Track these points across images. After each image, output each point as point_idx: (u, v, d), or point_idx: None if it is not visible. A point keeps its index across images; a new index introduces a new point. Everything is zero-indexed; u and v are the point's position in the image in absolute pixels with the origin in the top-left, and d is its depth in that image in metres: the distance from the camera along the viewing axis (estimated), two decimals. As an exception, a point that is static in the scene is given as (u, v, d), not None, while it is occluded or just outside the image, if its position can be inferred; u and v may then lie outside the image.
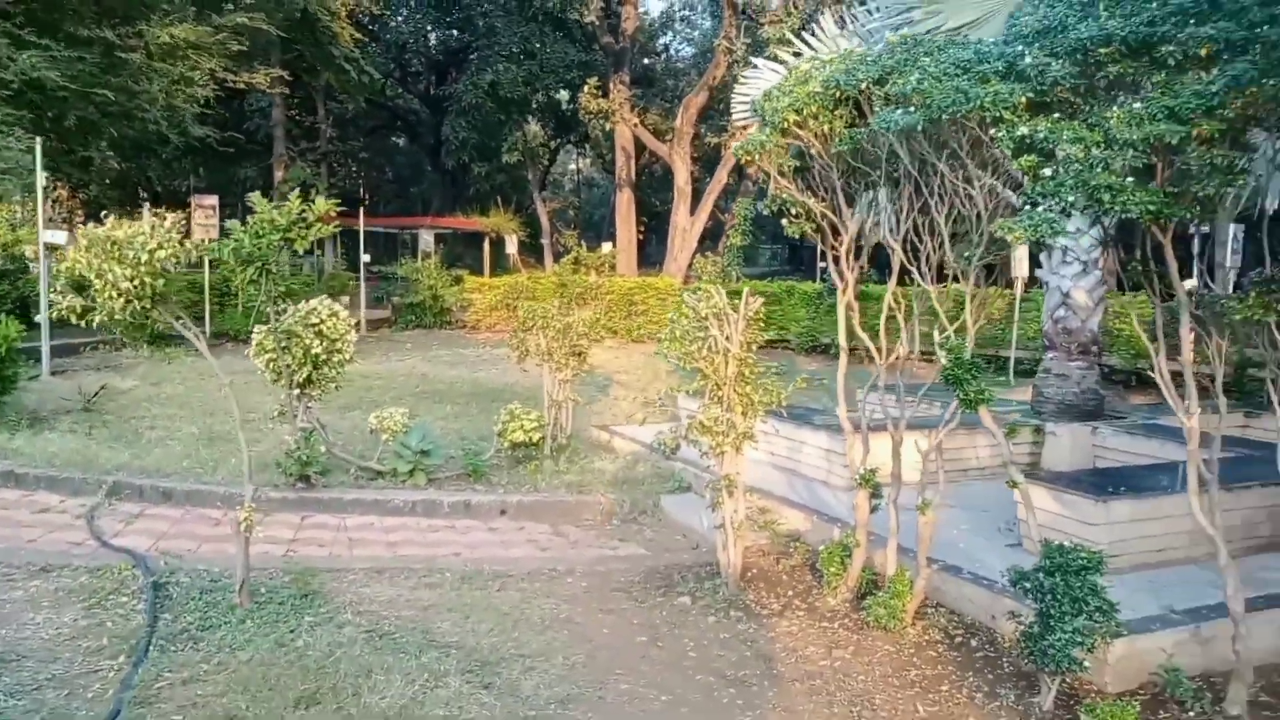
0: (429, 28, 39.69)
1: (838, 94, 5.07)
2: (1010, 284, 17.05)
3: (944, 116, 4.32)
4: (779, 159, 5.62)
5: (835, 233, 6.04)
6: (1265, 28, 3.66)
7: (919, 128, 4.52)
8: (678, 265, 27.33)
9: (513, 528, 8.24)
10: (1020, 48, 4.27)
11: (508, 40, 31.81)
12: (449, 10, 36.06)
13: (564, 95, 35.56)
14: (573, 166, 60.14)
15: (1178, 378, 4.89)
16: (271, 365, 8.24)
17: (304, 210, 6.70)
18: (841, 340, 6.27)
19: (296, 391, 8.52)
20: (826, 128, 5.19)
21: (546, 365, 9.73)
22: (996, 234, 4.44)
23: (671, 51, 46.94)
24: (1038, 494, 6.57)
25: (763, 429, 9.87)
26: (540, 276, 25.54)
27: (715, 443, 6.16)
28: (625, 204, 32.02)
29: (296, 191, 7.42)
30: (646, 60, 42.49)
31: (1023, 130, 3.95)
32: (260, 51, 21.56)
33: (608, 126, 29.63)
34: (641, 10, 42.81)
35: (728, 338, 6.14)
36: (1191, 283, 12.44)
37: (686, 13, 44.29)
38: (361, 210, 24.69)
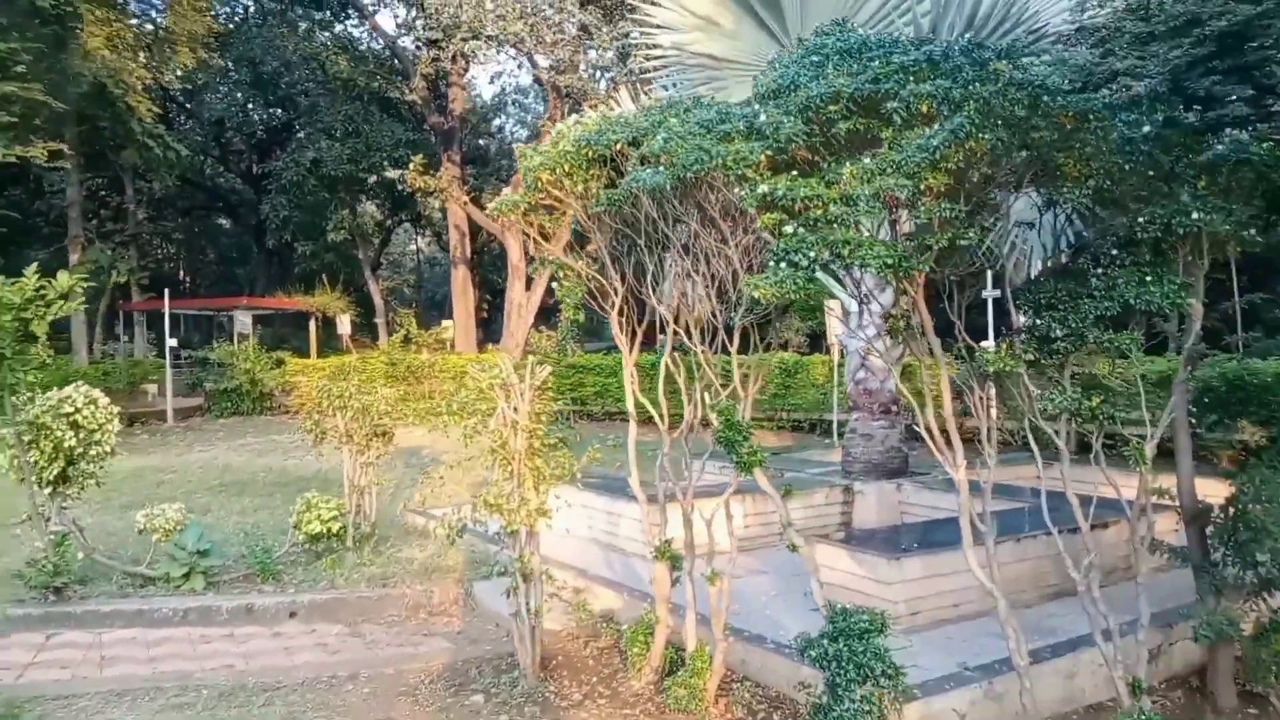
0: (249, 105, 38.41)
1: (589, 153, 4.99)
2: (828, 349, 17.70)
3: (689, 175, 4.28)
4: (540, 219, 5.47)
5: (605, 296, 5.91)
6: (978, 85, 3.81)
7: (667, 186, 4.45)
8: (514, 341, 26.98)
9: (302, 631, 7.50)
10: (757, 107, 4.32)
11: (330, 118, 31.12)
12: (269, 88, 35.02)
13: (396, 174, 35.07)
14: (413, 246, 59.17)
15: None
16: (15, 463, 7.28)
17: (42, 287, 5.98)
18: (629, 407, 6.08)
19: (48, 491, 7.56)
20: (581, 187, 5.08)
21: (346, 448, 9.10)
22: (748, 292, 4.40)
23: (506, 132, 47.37)
24: (835, 555, 6.55)
25: (581, 503, 9.61)
26: (370, 356, 24.55)
27: (506, 521, 5.79)
28: (461, 281, 31.57)
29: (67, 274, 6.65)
30: (481, 140, 42.62)
31: (763, 188, 3.94)
32: (48, 125, 19.99)
33: (437, 205, 29.28)
34: (475, 92, 43.13)
35: (515, 409, 5.84)
36: (989, 342, 13.16)
37: (518, 96, 44.91)
38: (167, 292, 23.08)
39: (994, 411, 5.37)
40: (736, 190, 4.19)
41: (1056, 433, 4.88)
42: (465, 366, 23.92)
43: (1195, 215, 4.11)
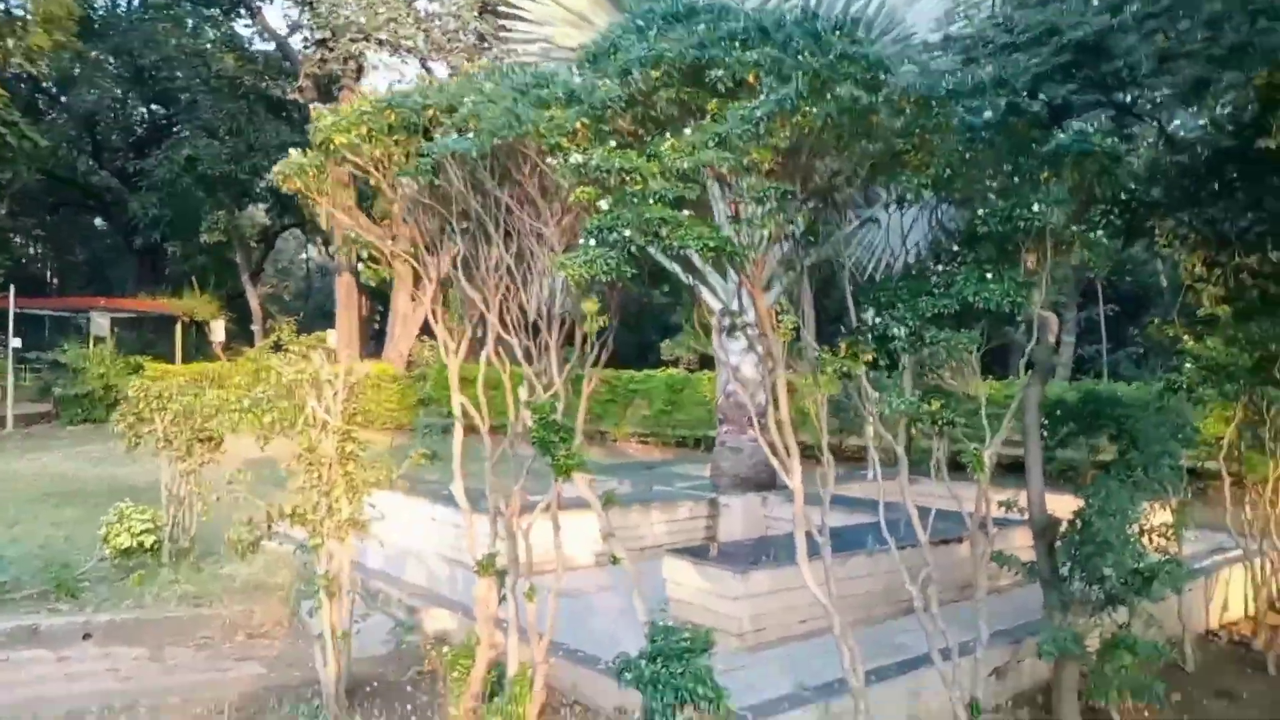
0: (127, 99, 36.29)
1: (393, 117, 4.49)
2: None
3: (500, 142, 3.84)
4: (338, 191, 4.94)
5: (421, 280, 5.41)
6: (809, 56, 3.51)
7: (474, 154, 4.00)
8: (398, 352, 26.01)
9: (95, 655, 6.67)
10: (574, 70, 3.93)
11: (211, 116, 29.55)
12: (147, 83, 33.16)
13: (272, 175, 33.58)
14: (304, 255, 56.97)
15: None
16: None
17: None
18: (455, 409, 5.55)
19: None
20: (380, 152, 4.58)
21: (164, 454, 8.27)
22: (556, 272, 3.99)
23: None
24: (681, 568, 6.16)
25: (429, 515, 8.99)
26: (240, 363, 23.20)
27: (312, 534, 5.18)
28: (345, 289, 30.28)
29: None
30: (375, 146, 41.30)
31: (577, 158, 3.53)
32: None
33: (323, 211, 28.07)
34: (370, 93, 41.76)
35: (327, 409, 5.25)
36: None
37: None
38: (13, 290, 21.33)
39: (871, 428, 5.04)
40: (549, 160, 3.77)
41: (896, 438, 4.60)
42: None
43: (1036, 208, 3.88)
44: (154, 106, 38.20)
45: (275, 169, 4.95)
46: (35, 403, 22.72)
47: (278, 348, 18.12)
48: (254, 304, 33.19)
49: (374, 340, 33.43)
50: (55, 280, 48.59)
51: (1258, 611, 7.28)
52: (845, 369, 4.30)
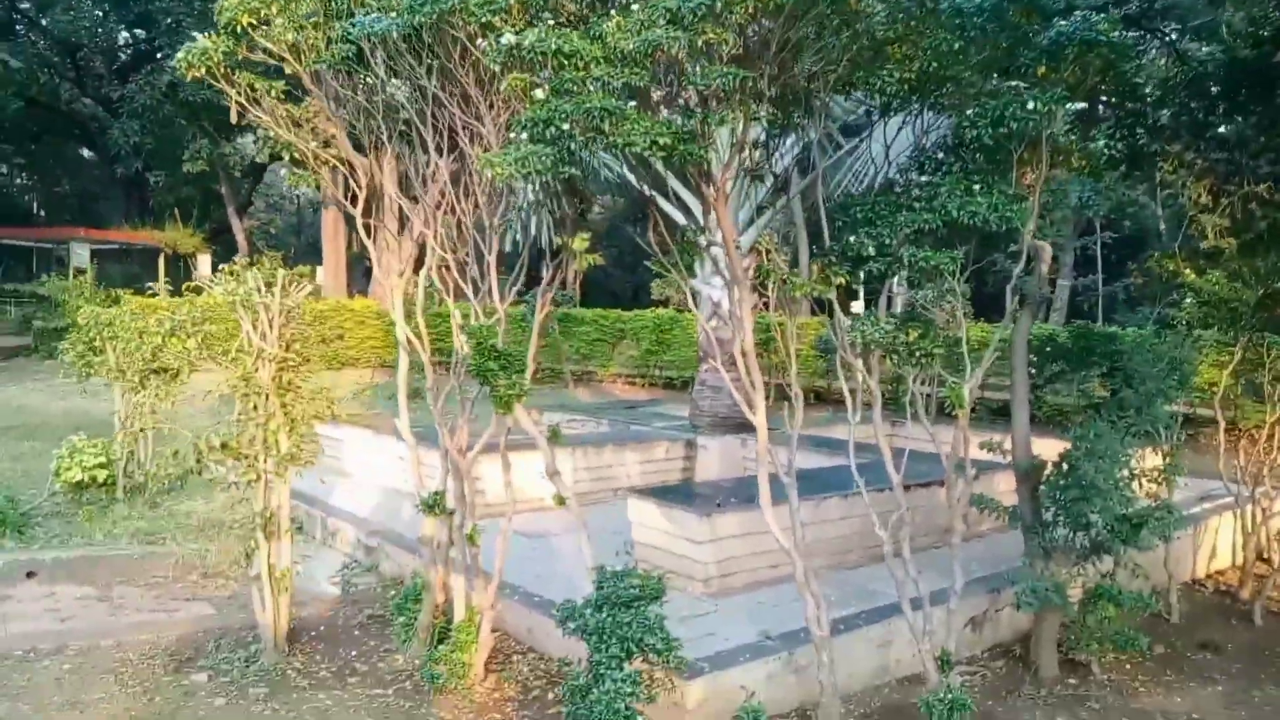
0: (109, 22, 35.08)
1: None
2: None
3: (422, 20, 3.39)
4: (252, 79, 4.48)
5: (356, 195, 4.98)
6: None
7: (395, 35, 3.55)
8: (384, 287, 25.50)
9: (38, 594, 6.40)
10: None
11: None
12: (126, 2, 32.01)
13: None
14: (297, 189, 55.99)
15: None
16: None
17: None
18: (400, 338, 5.16)
19: None
20: (292, 36, 4.12)
21: (118, 386, 7.92)
22: (480, 169, 3.59)
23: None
24: (645, 509, 5.86)
25: (397, 453, 8.69)
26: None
27: (247, 469, 4.85)
28: (332, 223, 29.63)
29: None
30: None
31: (509, 38, 3.09)
32: None
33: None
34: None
35: (263, 335, 4.88)
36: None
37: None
38: (-14, 219, 20.76)
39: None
40: (479, 43, 3.33)
41: (870, 373, 4.24)
42: (324, 312, 22.40)
43: (1031, 105, 3.44)
44: (136, 30, 36.98)
45: (178, 56, 4.48)
46: (17, 336, 22.34)
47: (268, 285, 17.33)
48: (240, 238, 32.56)
49: (365, 277, 32.82)
50: (41, 212, 47.77)
51: (1245, 561, 7.03)
52: (816, 294, 3.91)
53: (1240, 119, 6.09)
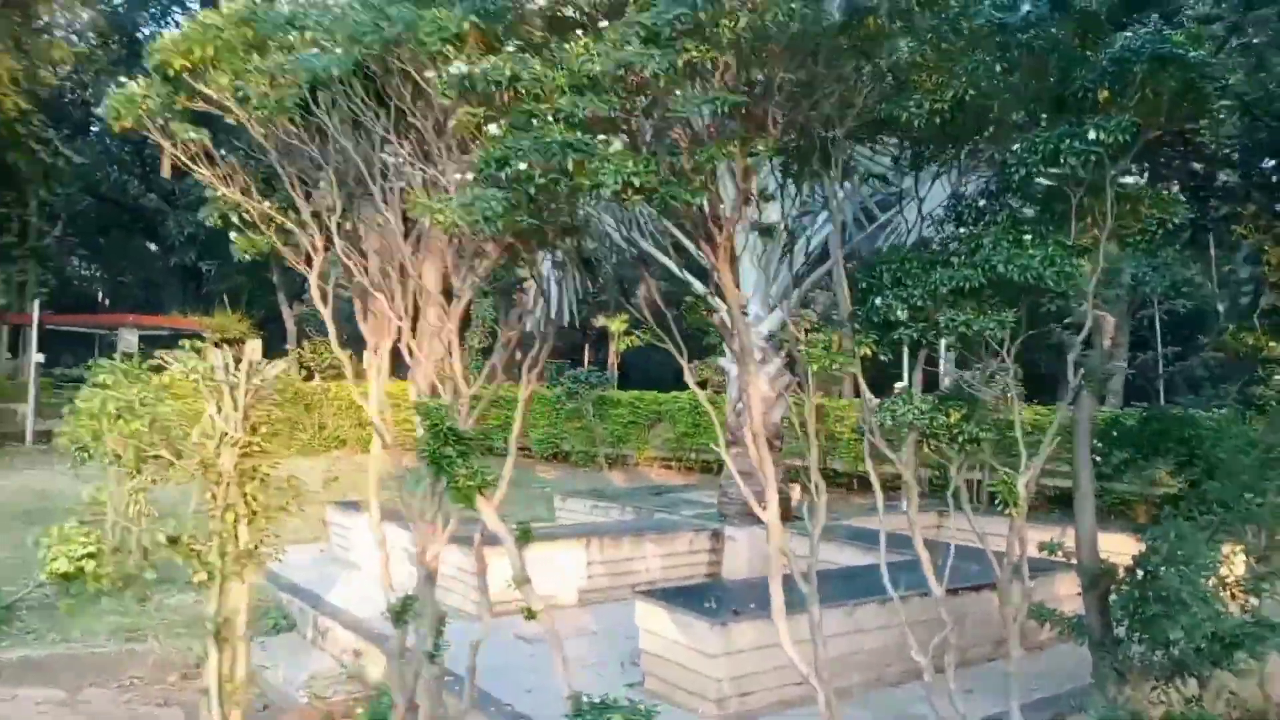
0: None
1: (249, 33, 3.67)
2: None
3: (367, 53, 2.99)
4: (179, 129, 4.13)
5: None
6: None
7: (334, 72, 3.15)
8: (423, 371, 25.39)
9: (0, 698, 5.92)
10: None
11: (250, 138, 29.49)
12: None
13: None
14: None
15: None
16: None
17: None
18: (374, 419, 4.66)
19: None
20: (226, 81, 3.75)
21: (113, 470, 7.52)
22: (417, 215, 3.13)
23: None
24: (654, 614, 5.20)
25: (402, 545, 8.14)
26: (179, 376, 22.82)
27: (198, 566, 4.35)
28: (380, 306, 29.88)
29: None
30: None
31: (458, 68, 2.66)
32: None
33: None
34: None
35: (226, 417, 4.43)
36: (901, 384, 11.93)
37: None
38: (36, 305, 21.20)
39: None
40: (427, 74, 2.92)
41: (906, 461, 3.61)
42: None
43: (1094, 136, 2.86)
44: (202, 129, 38.51)
45: (105, 103, 4.16)
46: (61, 419, 22.55)
47: (303, 369, 17.23)
48: (289, 324, 32.96)
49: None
50: (106, 300, 49.37)
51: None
52: (837, 367, 3.34)
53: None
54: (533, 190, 2.64)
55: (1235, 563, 4.97)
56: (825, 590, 5.85)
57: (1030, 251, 2.89)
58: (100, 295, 50.38)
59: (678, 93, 2.68)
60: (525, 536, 4.01)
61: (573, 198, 3.68)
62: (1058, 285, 2.92)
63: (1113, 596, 4.47)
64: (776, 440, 8.67)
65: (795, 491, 11.76)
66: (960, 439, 3.34)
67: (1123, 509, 8.99)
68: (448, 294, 4.44)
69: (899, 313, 3.06)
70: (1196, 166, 6.33)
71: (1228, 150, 5.47)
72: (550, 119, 2.59)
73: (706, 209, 3.21)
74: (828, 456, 14.61)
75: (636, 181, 2.60)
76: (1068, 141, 2.87)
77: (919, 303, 3.02)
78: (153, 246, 47.03)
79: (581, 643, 6.33)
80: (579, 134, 2.57)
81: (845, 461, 14.97)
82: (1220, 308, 20.33)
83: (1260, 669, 5.26)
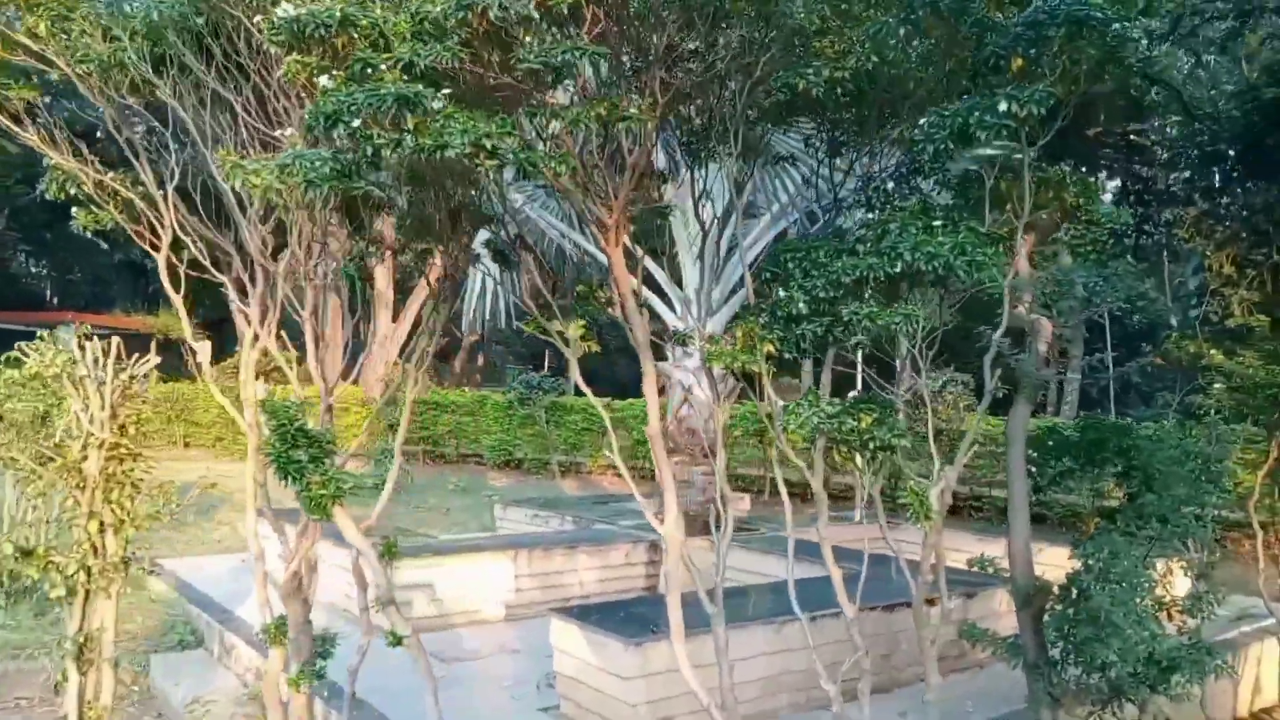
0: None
1: None
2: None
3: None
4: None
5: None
6: None
7: (154, 16, 2.81)
8: (375, 375, 24.89)
9: None
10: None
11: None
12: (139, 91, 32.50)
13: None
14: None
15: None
16: None
17: None
18: (246, 422, 4.29)
19: None
20: (44, 28, 3.37)
21: (10, 473, 7.06)
22: (229, 179, 2.81)
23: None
24: (569, 633, 4.87)
25: (335, 561, 7.71)
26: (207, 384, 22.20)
27: (56, 581, 3.95)
28: (335, 309, 29.33)
29: None
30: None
31: (285, 9, 2.34)
32: None
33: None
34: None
35: (91, 417, 4.04)
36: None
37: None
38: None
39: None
40: (258, 19, 2.59)
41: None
42: (306, 398, 21.79)
43: (1005, 107, 2.59)
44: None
45: None
46: (-6, 422, 21.73)
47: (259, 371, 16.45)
48: (239, 322, 32.23)
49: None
50: (55, 299, 48.09)
51: (1297, 696, 5.93)
52: (740, 366, 3.05)
53: (1266, 178, 5.28)
54: (370, 150, 2.31)
55: (1173, 581, 4.77)
56: (761, 606, 5.59)
57: (940, 239, 2.63)
58: (49, 293, 49.08)
59: (529, 39, 2.38)
60: (389, 551, 3.67)
61: (467, 177, 3.38)
62: (969, 275, 2.66)
63: (1047, 615, 4.23)
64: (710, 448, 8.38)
65: (745, 502, 11.51)
66: (871, 445, 3.07)
67: (1074, 521, 8.82)
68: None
69: (800, 305, 2.78)
70: (1142, 171, 6.21)
71: (1171, 154, 5.32)
72: (386, 69, 2.27)
73: (607, 188, 2.92)
74: (781, 466, 14.38)
75: (488, 144, 2.29)
76: (977, 115, 2.61)
77: (822, 294, 2.75)
78: (103, 243, 45.91)
79: (503, 661, 5.99)
80: (423, 86, 2.25)
81: (795, 470, 14.72)
82: (1174, 321, 20.44)
83: (1202, 689, 5.07)
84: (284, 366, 3.97)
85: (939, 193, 2.94)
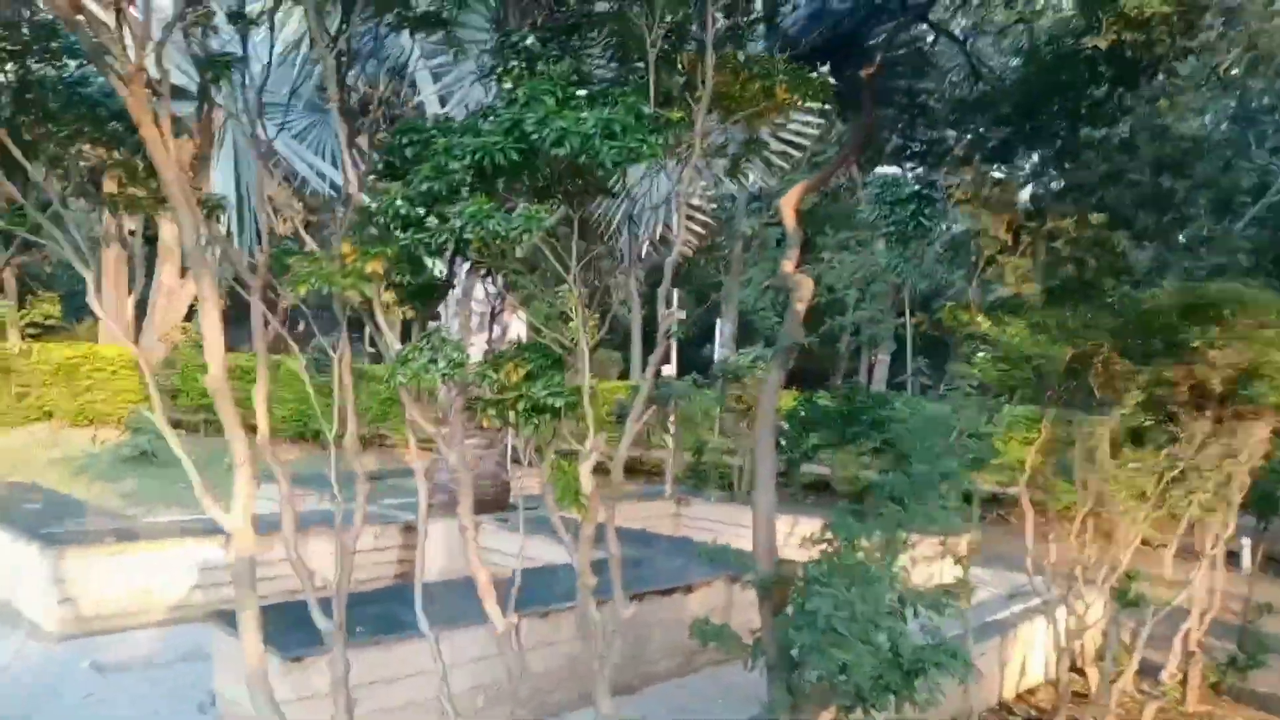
0: None
1: None
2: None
3: None
4: None
5: None
6: None
7: None
8: (159, 333, 22.55)
9: None
10: None
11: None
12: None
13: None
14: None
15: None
16: None
17: None
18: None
19: None
20: None
21: None
22: None
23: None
24: (228, 643, 3.95)
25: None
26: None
27: None
28: (114, 262, 26.45)
29: None
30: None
31: None
32: None
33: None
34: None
35: None
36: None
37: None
38: None
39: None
40: None
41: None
42: (71, 359, 19.39)
43: None
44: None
45: None
46: None
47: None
48: (8, 278, 28.54)
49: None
50: None
51: (1059, 676, 5.76)
52: (349, 284, 2.22)
53: (1043, 140, 4.95)
54: None
55: (941, 567, 4.37)
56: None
57: (581, 114, 1.89)
58: None
59: None
60: None
61: None
62: (618, 161, 1.95)
63: (789, 610, 3.68)
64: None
65: (534, 479, 10.72)
66: (522, 406, 2.35)
67: (862, 496, 8.63)
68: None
69: (400, 207, 1.99)
70: (930, 134, 5.97)
71: (954, 116, 5.03)
72: None
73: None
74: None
75: None
76: None
77: (428, 187, 1.96)
78: None
79: (177, 672, 4.97)
80: None
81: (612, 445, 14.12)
82: (972, 290, 21.24)
83: (965, 676, 4.73)
84: None
85: (600, 61, 2.23)
